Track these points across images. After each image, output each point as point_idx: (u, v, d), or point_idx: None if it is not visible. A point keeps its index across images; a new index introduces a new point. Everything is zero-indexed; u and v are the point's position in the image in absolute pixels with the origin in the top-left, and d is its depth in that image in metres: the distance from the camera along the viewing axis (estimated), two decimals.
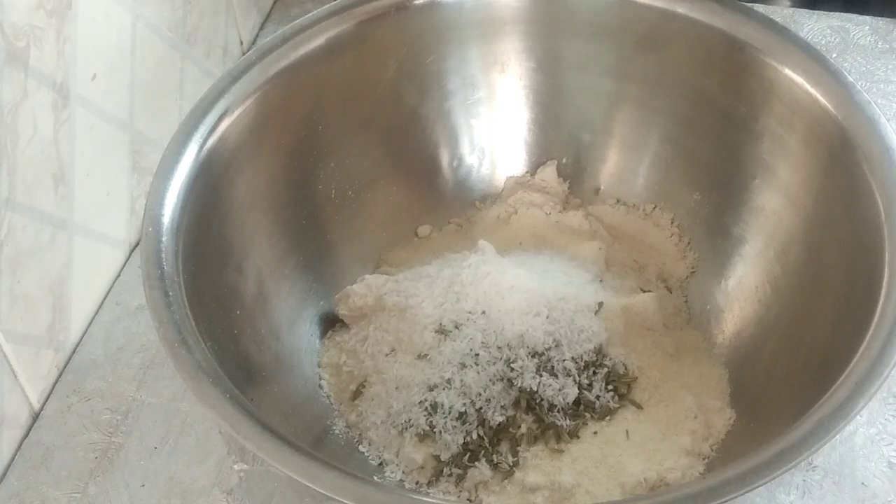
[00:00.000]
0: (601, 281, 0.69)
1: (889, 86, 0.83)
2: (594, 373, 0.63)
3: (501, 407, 0.62)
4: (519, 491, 0.60)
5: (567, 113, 0.73)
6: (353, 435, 0.64)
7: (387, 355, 0.65)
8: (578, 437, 0.62)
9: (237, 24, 0.87)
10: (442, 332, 0.64)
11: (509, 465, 0.61)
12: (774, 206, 0.66)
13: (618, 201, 0.74)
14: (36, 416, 0.67)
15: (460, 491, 0.61)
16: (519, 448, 0.61)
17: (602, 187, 0.74)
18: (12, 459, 0.65)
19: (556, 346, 0.63)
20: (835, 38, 0.86)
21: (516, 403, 0.62)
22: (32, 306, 0.65)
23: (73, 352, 0.70)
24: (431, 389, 0.62)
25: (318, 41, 0.68)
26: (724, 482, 0.48)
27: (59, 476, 0.64)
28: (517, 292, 0.64)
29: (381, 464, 0.63)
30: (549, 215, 0.74)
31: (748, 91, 0.66)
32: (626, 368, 0.64)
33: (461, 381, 0.62)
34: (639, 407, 0.63)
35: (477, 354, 0.63)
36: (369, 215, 0.72)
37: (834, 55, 0.85)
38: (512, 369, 0.62)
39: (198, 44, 0.81)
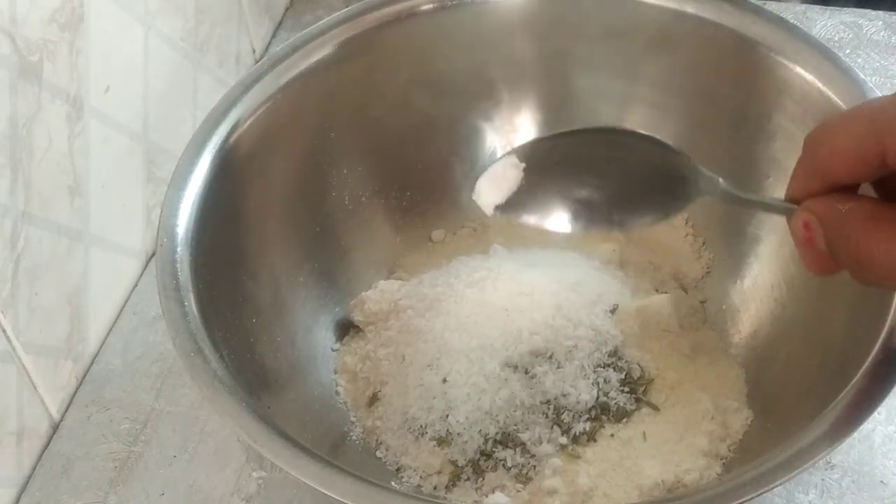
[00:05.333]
0: (616, 283, 0.69)
1: None
2: (610, 375, 0.63)
3: (518, 410, 0.62)
4: (536, 494, 0.60)
5: (579, 115, 0.73)
6: (370, 441, 0.64)
7: (402, 361, 0.65)
8: (595, 440, 0.62)
9: (249, 33, 0.87)
10: (457, 336, 0.64)
11: (526, 469, 0.61)
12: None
13: None
14: (56, 427, 0.67)
15: (478, 496, 0.61)
16: (535, 451, 0.61)
17: None
18: (33, 470, 0.65)
19: (571, 348, 0.63)
20: (848, 34, 0.86)
21: (532, 407, 0.62)
22: (50, 318, 0.65)
23: (92, 362, 0.70)
24: (447, 394, 0.62)
25: (328, 49, 0.68)
26: (741, 484, 0.48)
27: (80, 486, 0.64)
28: (531, 295, 0.64)
29: (398, 469, 0.63)
30: None
31: (760, 90, 0.66)
32: (641, 370, 0.64)
33: (477, 385, 0.62)
34: (655, 409, 0.63)
35: (492, 358, 0.63)
36: (383, 221, 0.72)
37: (847, 52, 0.85)
38: (527, 372, 0.62)
39: (210, 53, 0.81)
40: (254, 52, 0.89)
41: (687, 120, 0.70)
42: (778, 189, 0.66)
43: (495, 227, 0.74)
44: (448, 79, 0.72)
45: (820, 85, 0.63)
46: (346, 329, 0.69)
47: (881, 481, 0.62)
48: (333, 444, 0.63)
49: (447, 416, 0.62)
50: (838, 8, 0.89)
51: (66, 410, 0.68)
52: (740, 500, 0.48)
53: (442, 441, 0.62)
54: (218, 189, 0.62)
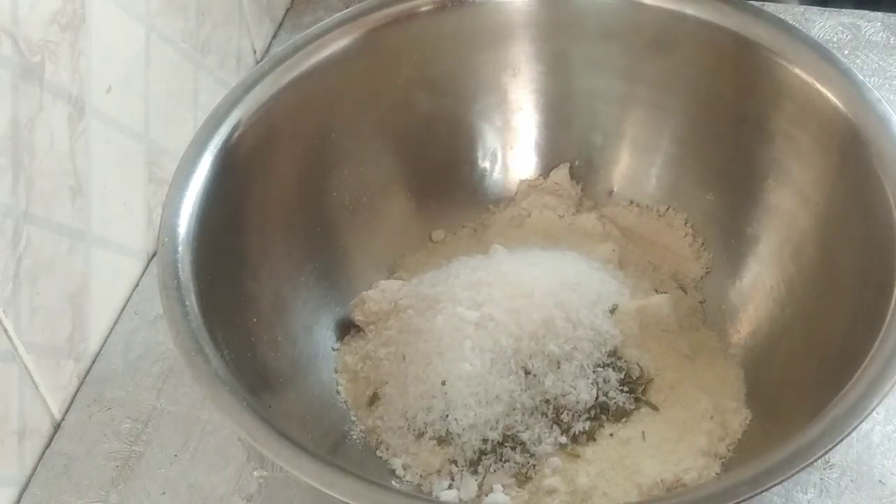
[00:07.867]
0: (615, 282, 0.69)
1: None
2: (609, 375, 0.63)
3: (517, 410, 0.62)
4: (536, 494, 0.60)
5: (578, 115, 0.73)
6: (370, 440, 0.64)
7: (403, 360, 0.65)
8: (594, 440, 0.62)
9: (250, 34, 0.88)
10: (457, 336, 0.64)
11: (526, 469, 0.61)
12: (788, 205, 0.66)
13: (631, 202, 0.74)
14: (57, 426, 0.67)
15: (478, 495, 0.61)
16: (535, 451, 0.62)
17: (615, 189, 0.74)
18: (35, 469, 0.65)
19: (571, 348, 0.63)
20: (846, 36, 0.86)
21: (532, 406, 0.62)
22: (52, 317, 0.66)
23: (93, 362, 0.71)
24: (447, 394, 0.62)
25: (329, 50, 0.68)
26: (739, 483, 0.49)
27: (81, 485, 0.65)
28: (531, 295, 0.64)
29: (398, 468, 0.63)
30: (562, 217, 0.74)
31: (759, 91, 0.66)
32: (641, 370, 0.64)
33: (476, 385, 0.62)
34: (654, 408, 0.63)
35: (492, 358, 0.63)
36: (383, 221, 0.72)
37: (846, 52, 0.85)
38: (527, 372, 0.63)
39: (211, 54, 0.81)
40: (255, 52, 0.89)
41: (686, 120, 0.70)
42: (777, 190, 0.66)
43: (495, 228, 0.75)
44: (448, 79, 0.72)
45: (818, 86, 0.63)
46: (346, 328, 0.69)
47: (879, 480, 0.62)
48: (334, 443, 0.63)
49: (447, 415, 0.62)
50: (837, 9, 0.89)
51: (67, 410, 0.68)
52: (737, 500, 0.48)
53: (442, 441, 0.62)
54: (219, 189, 0.62)
